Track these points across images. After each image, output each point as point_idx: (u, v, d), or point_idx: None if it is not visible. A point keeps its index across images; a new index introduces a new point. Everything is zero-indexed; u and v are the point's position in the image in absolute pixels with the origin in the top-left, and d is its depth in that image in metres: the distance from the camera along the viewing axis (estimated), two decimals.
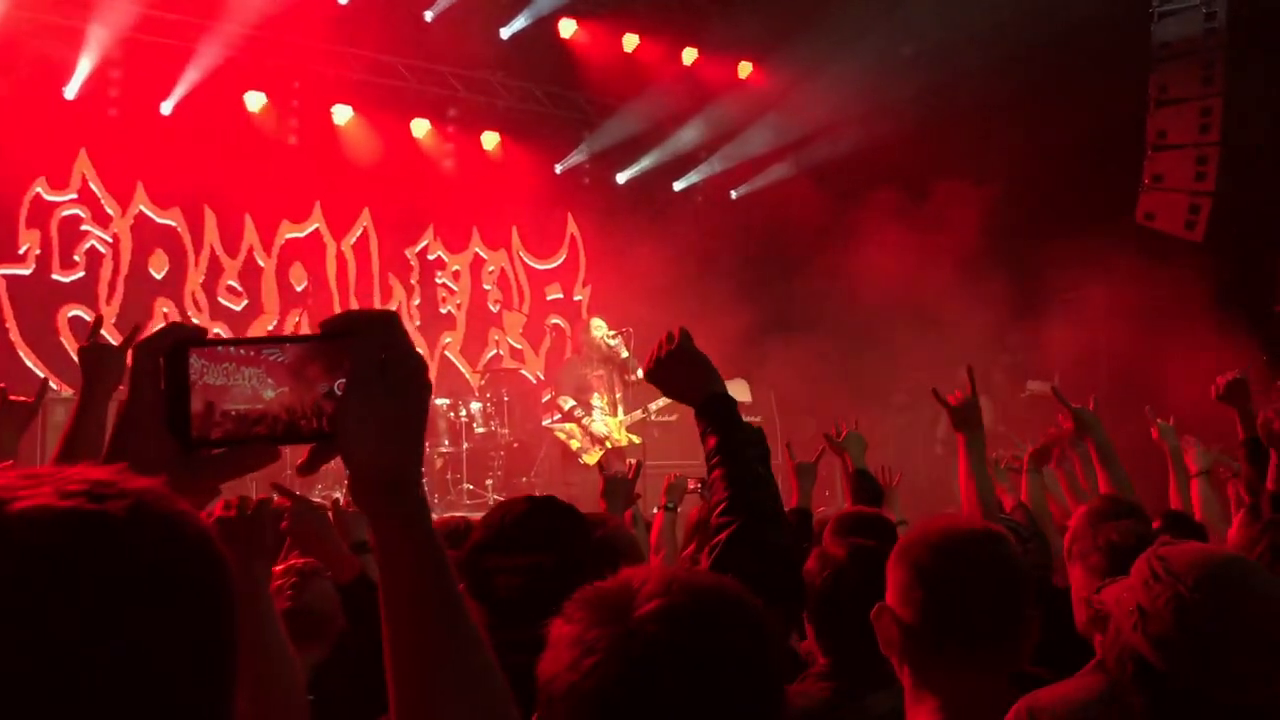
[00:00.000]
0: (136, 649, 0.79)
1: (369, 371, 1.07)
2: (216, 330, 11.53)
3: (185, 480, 1.06)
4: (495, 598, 2.19)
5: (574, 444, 9.71)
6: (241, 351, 1.10)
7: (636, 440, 10.10)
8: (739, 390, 12.75)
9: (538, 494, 2.51)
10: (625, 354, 9.80)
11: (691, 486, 4.92)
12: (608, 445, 9.69)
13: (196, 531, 0.86)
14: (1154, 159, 11.48)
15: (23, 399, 3.26)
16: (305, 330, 10.68)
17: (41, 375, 10.23)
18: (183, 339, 1.11)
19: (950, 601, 1.82)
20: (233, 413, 1.09)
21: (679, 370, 2.35)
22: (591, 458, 9.54)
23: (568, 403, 9.74)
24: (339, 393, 1.08)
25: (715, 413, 2.28)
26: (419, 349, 1.13)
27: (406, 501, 1.09)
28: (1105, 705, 2.30)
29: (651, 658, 1.17)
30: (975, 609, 1.82)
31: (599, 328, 9.91)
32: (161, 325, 1.15)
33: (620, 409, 9.84)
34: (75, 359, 10.26)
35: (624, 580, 1.26)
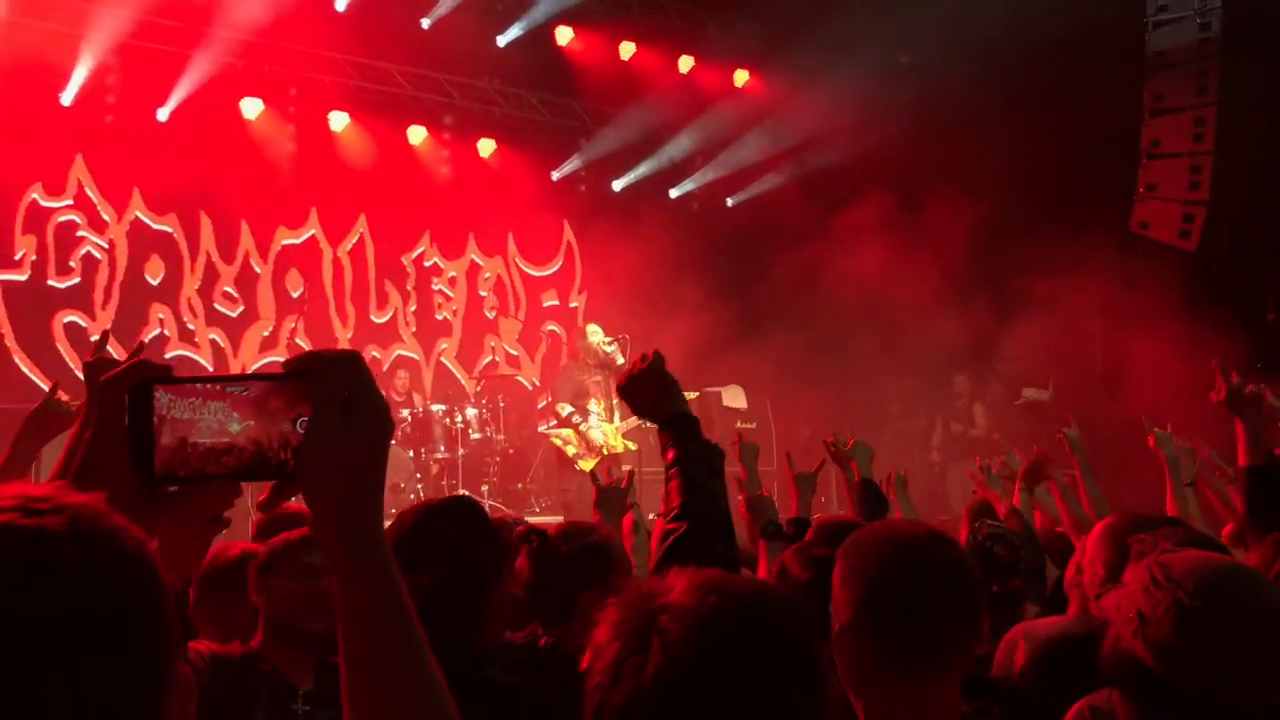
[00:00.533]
0: (69, 663, 0.80)
1: (330, 410, 1.08)
2: (212, 336, 11.54)
3: (147, 517, 1.08)
4: None
5: (570, 450, 9.72)
6: (207, 387, 1.11)
7: (633, 447, 10.11)
8: (734, 397, 12.78)
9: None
10: (621, 360, 9.81)
11: None
12: (604, 452, 9.69)
13: (134, 546, 0.87)
14: (1148, 168, 11.51)
15: (65, 399, 3.28)
16: (300, 338, 10.68)
17: (37, 381, 10.23)
18: (148, 376, 1.12)
19: (894, 605, 1.78)
20: (200, 446, 1.10)
21: (648, 389, 2.47)
22: (587, 464, 9.55)
23: (565, 409, 9.76)
24: (301, 431, 1.09)
25: (676, 429, 2.39)
26: (380, 390, 1.13)
27: (366, 540, 1.09)
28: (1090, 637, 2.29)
29: (688, 666, 1.18)
30: (920, 610, 1.78)
31: (595, 334, 9.94)
32: (129, 360, 1.16)
33: (616, 415, 9.85)
34: (71, 365, 10.28)
35: (656, 587, 1.27)
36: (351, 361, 1.11)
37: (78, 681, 0.80)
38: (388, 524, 2.49)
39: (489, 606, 2.33)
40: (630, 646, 1.22)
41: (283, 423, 1.10)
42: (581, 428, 9.69)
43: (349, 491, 1.09)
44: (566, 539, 2.84)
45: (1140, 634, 1.66)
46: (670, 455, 2.35)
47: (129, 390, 1.12)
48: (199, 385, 1.11)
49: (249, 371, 1.17)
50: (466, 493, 11.25)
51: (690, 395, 9.80)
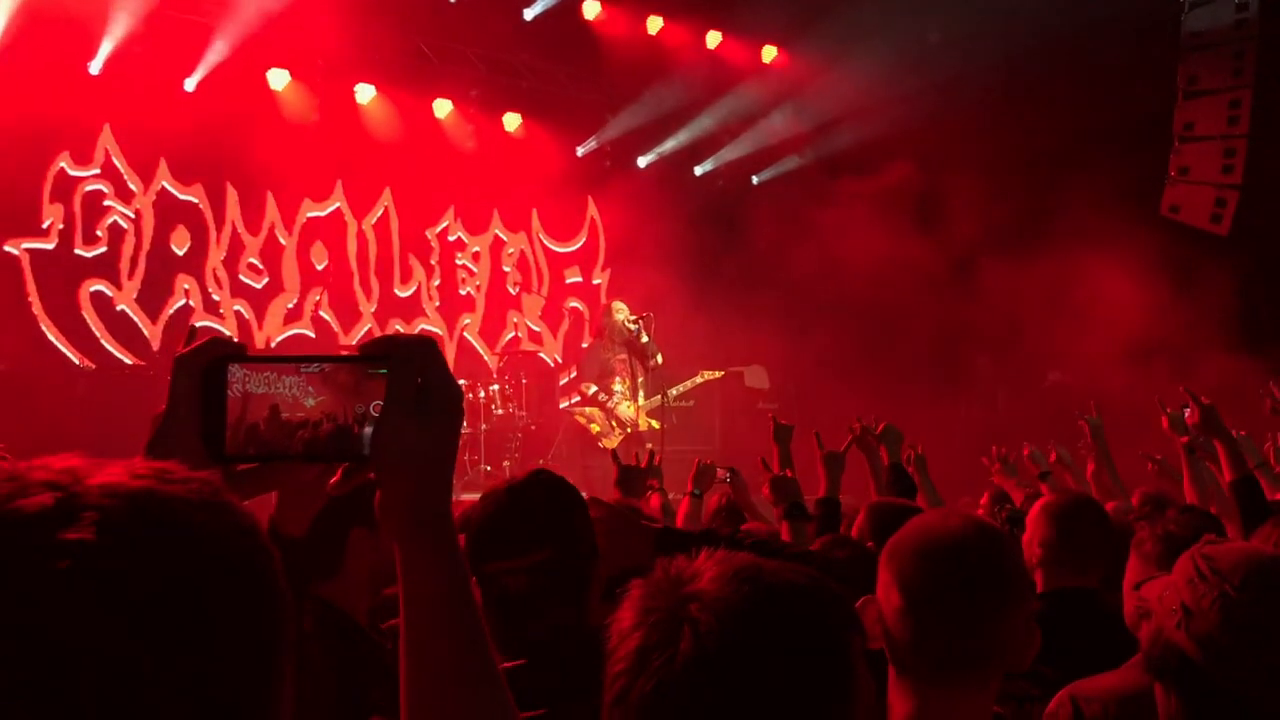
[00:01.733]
0: (204, 625, 0.80)
1: (406, 396, 1.08)
2: (237, 308, 11.57)
3: None
4: (507, 596, 2.14)
5: (594, 428, 9.71)
6: (282, 366, 1.11)
7: (656, 425, 10.10)
8: (757, 377, 12.75)
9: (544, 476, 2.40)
10: (646, 339, 9.78)
11: (720, 475, 4.92)
12: (629, 430, 9.69)
13: (252, 524, 0.88)
14: (1181, 151, 11.38)
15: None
16: (324, 311, 10.71)
17: (63, 350, 10.29)
18: (222, 354, 1.12)
19: (926, 607, 1.76)
20: (272, 425, 1.10)
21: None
22: (611, 442, 9.54)
23: (590, 389, 9.75)
24: (374, 414, 1.09)
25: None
26: (457, 379, 1.13)
27: (437, 530, 1.09)
28: (1151, 698, 2.28)
29: (715, 652, 1.15)
30: (951, 616, 1.75)
31: (621, 311, 9.91)
32: (206, 339, 1.15)
33: (641, 394, 9.84)
34: (96, 334, 10.35)
35: (684, 571, 1.24)
36: (428, 348, 1.11)
37: (211, 640, 0.81)
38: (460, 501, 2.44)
39: (594, 585, 2.22)
40: (659, 635, 1.19)
41: (356, 405, 1.09)
42: (608, 405, 9.68)
43: (421, 478, 1.08)
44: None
45: (1184, 626, 1.64)
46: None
47: (203, 367, 1.11)
48: (273, 364, 1.11)
49: (332, 350, 1.17)
50: (543, 465, 11.28)
51: (715, 374, 9.82)
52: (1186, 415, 4.35)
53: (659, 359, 9.97)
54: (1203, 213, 11.32)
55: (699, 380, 10.49)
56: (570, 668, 1.99)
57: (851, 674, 1.22)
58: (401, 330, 12.49)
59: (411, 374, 1.08)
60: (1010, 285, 11.22)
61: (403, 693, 1.09)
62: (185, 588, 0.80)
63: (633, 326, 9.80)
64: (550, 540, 2.17)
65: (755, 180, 14.68)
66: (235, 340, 1.15)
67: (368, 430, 1.09)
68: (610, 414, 9.71)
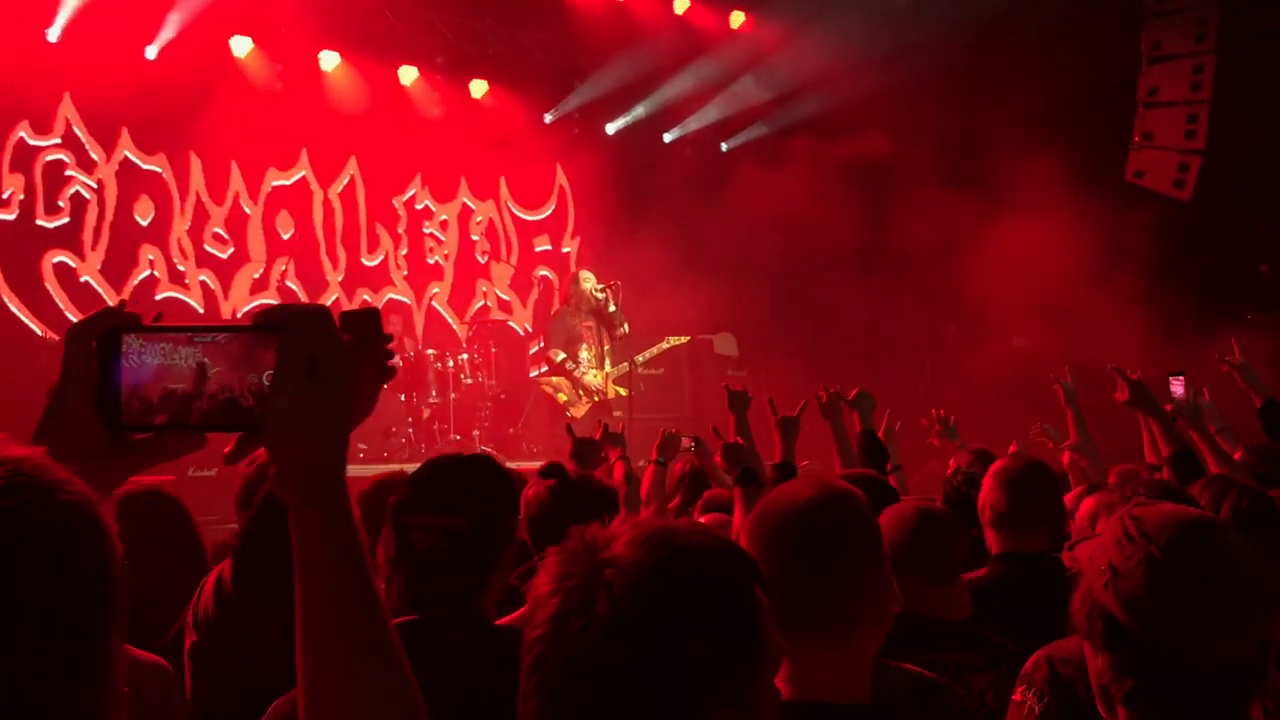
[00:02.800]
0: (4, 611, 0.80)
1: (295, 365, 1.08)
2: (202, 278, 11.49)
3: (109, 464, 1.10)
4: (413, 551, 2.30)
5: (561, 397, 9.72)
6: (175, 335, 1.11)
7: (624, 393, 10.11)
8: (726, 344, 12.80)
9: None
10: (613, 308, 9.78)
11: (685, 443, 4.95)
12: (596, 398, 9.70)
13: (76, 500, 0.87)
14: (1145, 116, 11.45)
15: None
16: (291, 281, 10.64)
17: (26, 321, 10.20)
18: (115, 323, 1.12)
19: (775, 579, 1.83)
20: (166, 394, 1.10)
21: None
22: (579, 410, 9.55)
23: (558, 355, 9.75)
24: (267, 384, 1.09)
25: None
26: (346, 347, 1.13)
27: (328, 498, 1.09)
28: None
29: (628, 608, 1.18)
30: (796, 584, 1.84)
31: (588, 279, 9.90)
32: (98, 310, 1.15)
33: (608, 362, 9.84)
34: (60, 305, 10.24)
35: (599, 538, 1.26)
36: (319, 317, 1.11)
37: (12, 641, 0.81)
38: (409, 468, 2.57)
39: (500, 562, 2.39)
40: (574, 601, 1.21)
41: (250, 375, 1.10)
42: (575, 374, 9.69)
43: (310, 446, 1.08)
44: (584, 481, 2.99)
45: (1112, 586, 1.66)
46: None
47: (96, 337, 1.12)
48: (167, 334, 1.11)
49: (226, 320, 1.16)
50: (513, 434, 11.31)
51: (681, 340, 9.81)
52: (1116, 395, 4.37)
53: (625, 328, 9.98)
54: (1166, 178, 11.41)
55: (665, 346, 10.51)
56: (455, 629, 2.22)
57: (762, 634, 1.26)
58: (370, 300, 12.46)
59: (303, 344, 1.08)
60: (977, 250, 11.28)
61: (298, 658, 1.09)
62: None
63: (600, 295, 9.79)
64: (468, 512, 2.32)
65: (725, 147, 14.66)
66: (129, 313, 1.14)
67: (258, 401, 1.09)
68: (577, 383, 9.71)
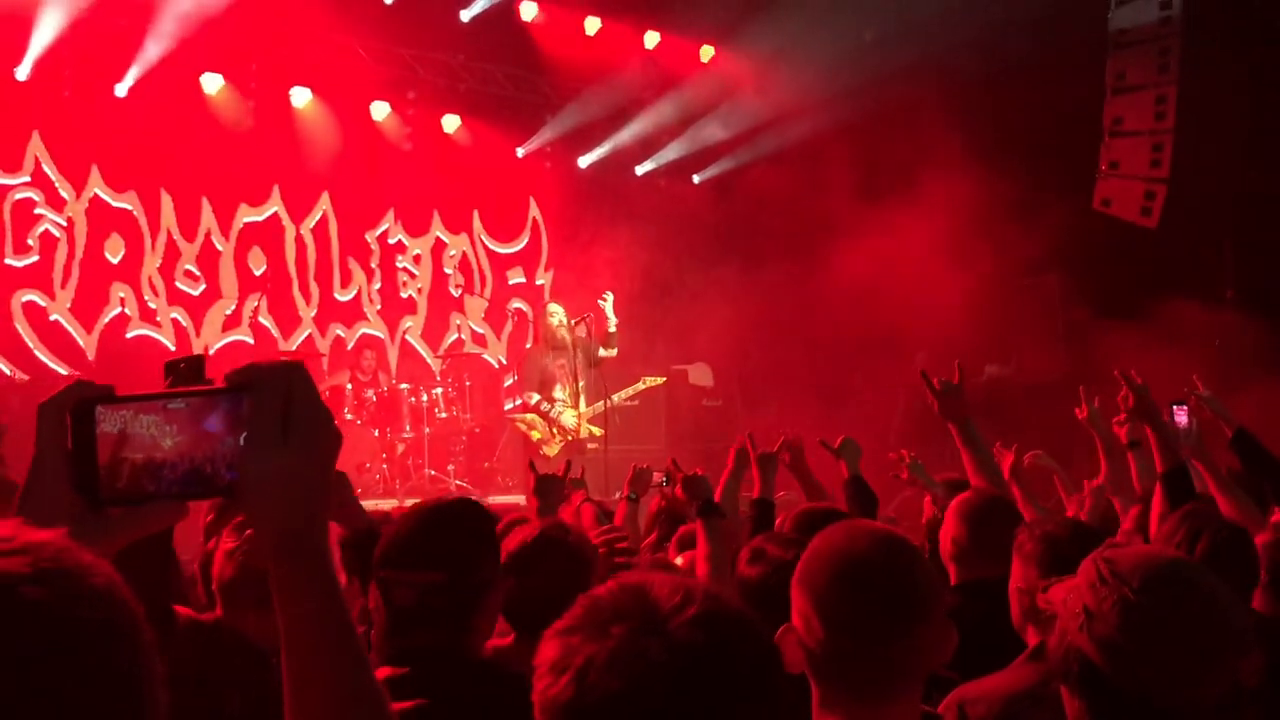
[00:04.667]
0: (45, 708, 0.78)
1: (267, 425, 1.06)
2: (174, 315, 11.43)
3: (91, 541, 1.06)
4: (394, 606, 2.30)
5: (535, 435, 9.67)
6: (148, 404, 1.09)
7: (598, 432, 10.03)
8: (701, 375, 12.81)
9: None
10: (583, 333, 9.76)
11: (656, 479, 4.92)
12: (570, 438, 9.65)
13: (105, 584, 0.84)
14: (1110, 145, 11.60)
15: None
16: (263, 317, 10.58)
17: None
18: (88, 396, 1.09)
19: (855, 641, 1.79)
20: (144, 465, 1.08)
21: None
22: (552, 449, 9.50)
23: (533, 397, 9.70)
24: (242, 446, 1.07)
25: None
26: (322, 401, 1.11)
27: (306, 558, 1.08)
28: (1036, 697, 2.34)
29: (687, 665, 1.13)
30: (873, 641, 1.79)
31: (555, 315, 9.85)
32: (68, 383, 1.13)
33: (582, 400, 9.78)
34: (30, 345, 10.16)
35: (645, 587, 1.19)
36: (290, 373, 1.09)
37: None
38: (384, 504, 2.56)
39: (485, 606, 2.37)
40: (617, 665, 1.13)
41: (226, 438, 1.08)
42: (551, 414, 9.64)
43: (287, 509, 1.07)
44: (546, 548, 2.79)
45: (1086, 629, 1.66)
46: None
47: (69, 411, 1.09)
48: (139, 402, 1.09)
49: (195, 388, 1.14)
50: (488, 467, 11.23)
51: (657, 381, 9.75)
52: (1119, 399, 4.34)
53: (603, 352, 9.93)
54: (1133, 206, 11.54)
55: (640, 387, 10.47)
56: (442, 684, 2.19)
57: (779, 707, 1.22)
58: (342, 334, 12.42)
59: (274, 402, 1.07)
60: (945, 280, 11.36)
61: (286, 711, 1.08)
62: (19, 672, 0.76)
63: (564, 335, 9.75)
64: (447, 565, 2.30)
65: (696, 179, 14.74)
66: (102, 385, 1.12)
67: (233, 465, 1.07)
68: (552, 422, 9.66)
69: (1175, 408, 4.41)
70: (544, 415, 9.61)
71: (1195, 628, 1.64)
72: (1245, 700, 1.63)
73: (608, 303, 9.75)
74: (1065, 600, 1.73)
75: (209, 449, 1.08)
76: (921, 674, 1.85)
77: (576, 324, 9.91)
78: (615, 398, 10.07)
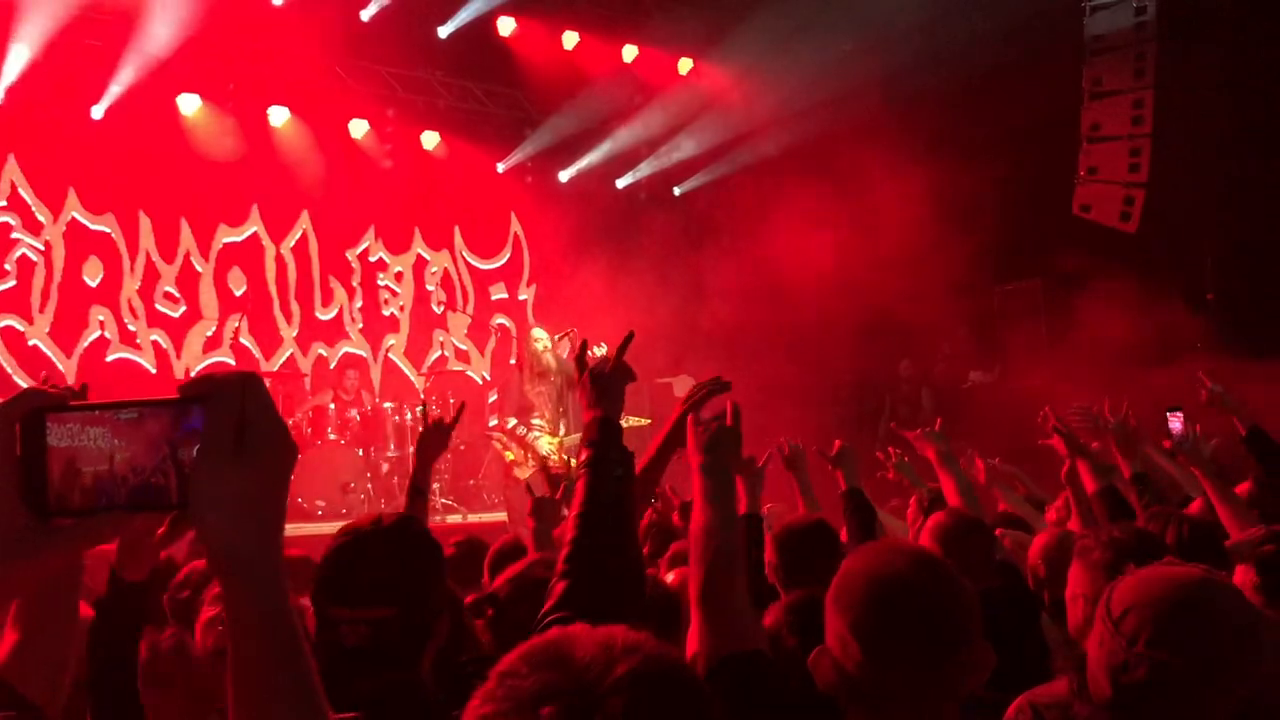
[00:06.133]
0: None
1: (221, 439, 1.03)
2: (154, 338, 11.35)
3: (38, 553, 1.04)
4: (342, 646, 2.11)
5: (509, 455, 9.61)
6: (101, 415, 1.06)
7: (574, 462, 9.95)
8: (685, 387, 12.77)
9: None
10: (565, 354, 9.72)
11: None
12: (545, 464, 9.58)
13: None
14: (1089, 151, 11.65)
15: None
16: (244, 338, 10.50)
17: None
18: (39, 405, 1.06)
19: (892, 664, 1.77)
20: (93, 477, 1.05)
21: (612, 382, 2.35)
22: (524, 472, 9.44)
23: (510, 422, 9.65)
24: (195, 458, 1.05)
25: (603, 431, 2.25)
26: (278, 414, 1.08)
27: (257, 576, 1.05)
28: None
29: None
30: (911, 662, 1.76)
31: (539, 339, 9.80)
32: (21, 392, 1.10)
33: (562, 426, 9.70)
34: (9, 370, 10.06)
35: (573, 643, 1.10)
36: (245, 384, 1.06)
37: None
38: (344, 524, 2.40)
39: (435, 633, 2.20)
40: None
41: (178, 451, 1.05)
42: (528, 439, 9.58)
43: (236, 524, 1.04)
44: (519, 595, 2.65)
45: (1122, 661, 1.74)
46: (585, 454, 2.21)
47: (19, 421, 1.06)
48: (92, 412, 1.06)
49: (147, 398, 1.11)
50: (473, 485, 11.13)
51: (642, 422, 9.64)
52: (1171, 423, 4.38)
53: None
54: (1112, 211, 11.59)
55: (625, 426, 10.38)
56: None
57: None
58: (324, 353, 12.36)
59: (228, 414, 1.04)
60: (925, 288, 11.39)
61: None
62: None
63: (549, 358, 9.68)
64: (398, 599, 2.13)
65: (677, 191, 14.75)
66: (55, 393, 1.09)
67: (184, 478, 1.04)
68: (528, 447, 9.59)
69: (1170, 414, 4.39)
70: (519, 439, 9.54)
71: (1222, 664, 1.70)
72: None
73: (572, 340, 9.64)
74: (1100, 633, 1.79)
75: (160, 461, 1.05)
76: (960, 696, 1.81)
77: (560, 339, 9.86)
78: None
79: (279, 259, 12.37)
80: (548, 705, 1.03)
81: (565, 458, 9.79)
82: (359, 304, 12.91)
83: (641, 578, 2.13)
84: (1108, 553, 2.66)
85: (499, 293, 14.13)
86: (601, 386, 2.35)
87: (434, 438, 3.80)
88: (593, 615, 1.24)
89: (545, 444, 9.53)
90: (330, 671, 2.06)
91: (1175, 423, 4.37)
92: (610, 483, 2.15)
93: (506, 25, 12.86)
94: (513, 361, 11.41)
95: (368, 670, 2.09)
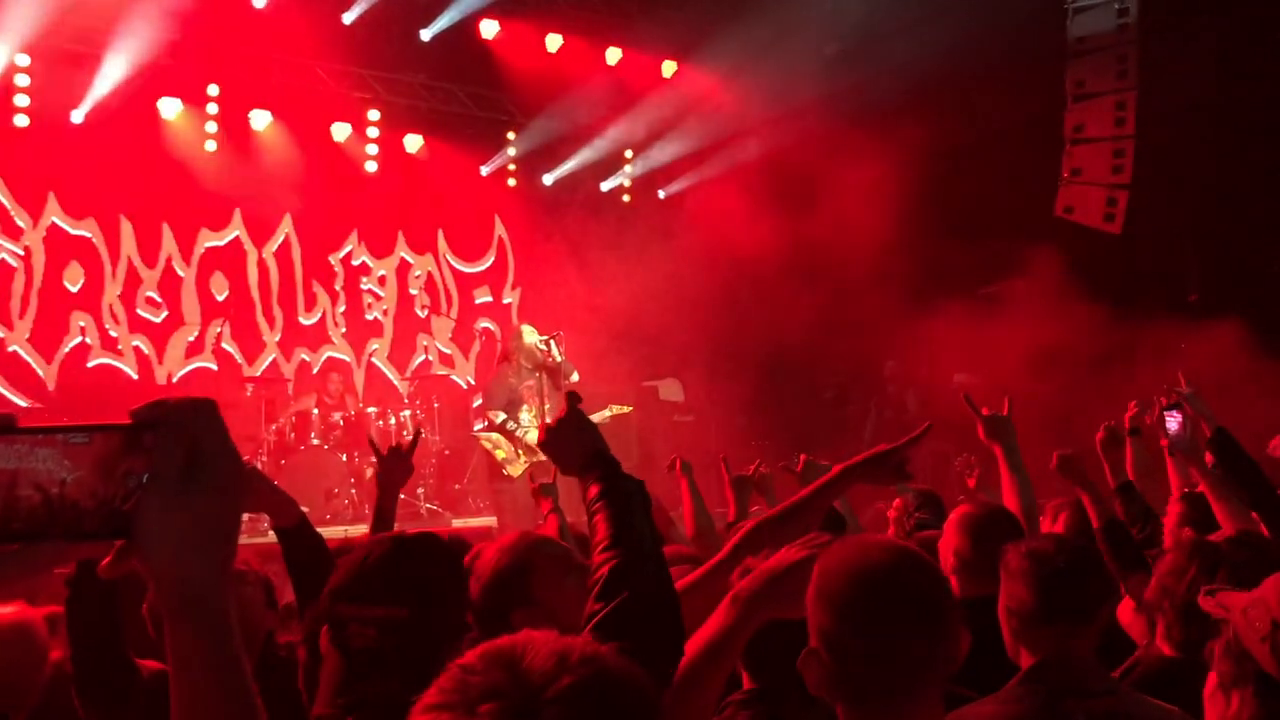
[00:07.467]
0: None
1: (170, 469, 1.01)
2: (136, 343, 11.27)
3: None
4: (350, 648, 2.09)
5: (499, 454, 9.56)
6: (45, 438, 1.02)
7: (579, 397, 9.89)
8: (671, 390, 12.77)
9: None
10: (559, 358, 9.67)
11: None
12: (536, 458, 9.54)
13: None
14: (1072, 153, 11.69)
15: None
16: (226, 343, 10.44)
17: None
18: None
19: (878, 647, 1.80)
20: (35, 501, 1.01)
21: (568, 437, 2.32)
22: (515, 469, 9.40)
23: (498, 416, 9.61)
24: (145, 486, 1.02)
25: (598, 466, 2.23)
26: (231, 442, 1.05)
27: (205, 612, 1.03)
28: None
29: None
30: (902, 649, 1.80)
31: (530, 334, 9.77)
32: None
33: (548, 420, 9.68)
34: None
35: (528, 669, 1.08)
36: (198, 411, 1.03)
37: None
38: (354, 530, 2.37)
39: (449, 659, 2.16)
40: None
41: (128, 478, 1.01)
42: (516, 433, 9.55)
43: (187, 554, 1.01)
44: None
45: (1271, 642, 1.74)
46: (593, 491, 2.18)
47: None
48: (36, 435, 1.02)
49: (98, 423, 1.07)
50: (459, 489, 11.09)
51: (624, 409, 9.62)
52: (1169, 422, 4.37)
53: (575, 376, 9.88)
54: (1096, 212, 11.63)
55: (608, 415, 10.34)
56: None
57: None
58: (307, 358, 12.30)
59: (179, 443, 1.01)
60: (913, 288, 11.39)
61: None
62: None
63: (543, 347, 9.66)
64: (410, 600, 2.11)
65: (661, 194, 14.73)
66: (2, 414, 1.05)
67: (130, 508, 1.01)
68: (517, 442, 9.55)
69: (1167, 414, 4.38)
70: (508, 435, 9.50)
71: None
72: None
73: (558, 343, 9.61)
74: (1246, 610, 1.78)
75: (109, 488, 1.01)
76: (940, 679, 1.85)
77: (548, 341, 9.82)
78: (594, 419, 9.96)
79: (261, 263, 12.31)
80: (488, 704, 1.03)
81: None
82: (342, 308, 12.86)
83: (676, 604, 2.09)
84: (1026, 562, 2.65)
85: (483, 296, 14.09)
86: (560, 445, 2.33)
87: (396, 464, 3.72)
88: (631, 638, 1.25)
89: (533, 436, 9.48)
90: (337, 675, 2.04)
91: (1172, 422, 4.37)
92: (634, 509, 2.16)
93: (490, 28, 12.81)
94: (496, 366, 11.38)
95: (372, 676, 2.07)
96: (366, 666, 2.08)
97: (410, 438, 3.88)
